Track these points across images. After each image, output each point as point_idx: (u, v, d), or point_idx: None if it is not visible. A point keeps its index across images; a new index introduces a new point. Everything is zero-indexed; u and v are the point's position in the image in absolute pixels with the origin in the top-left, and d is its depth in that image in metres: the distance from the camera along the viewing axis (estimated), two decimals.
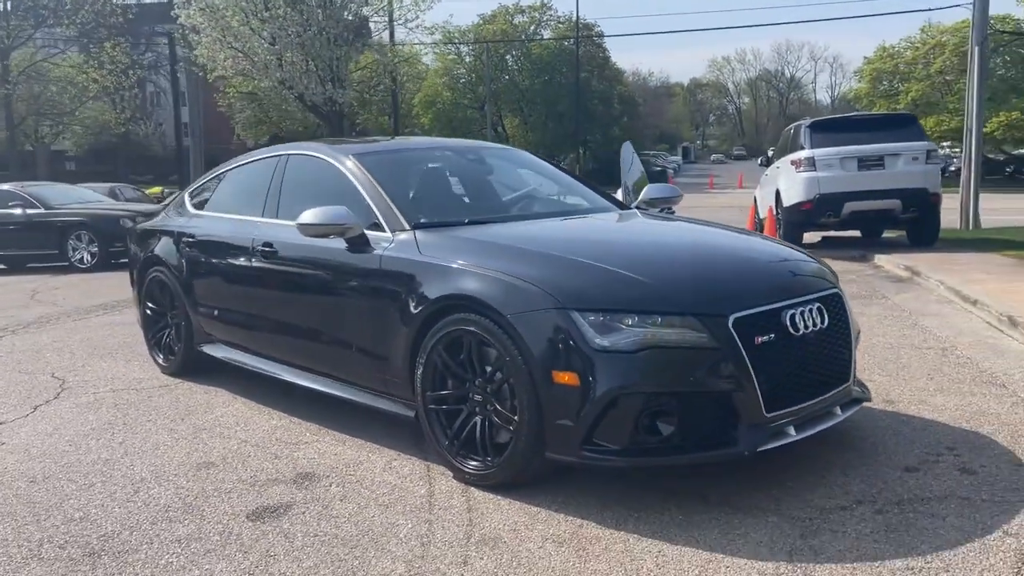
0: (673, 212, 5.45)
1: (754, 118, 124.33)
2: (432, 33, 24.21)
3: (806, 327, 3.33)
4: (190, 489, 3.58)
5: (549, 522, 3.13)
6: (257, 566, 2.87)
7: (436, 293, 3.53)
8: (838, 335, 3.53)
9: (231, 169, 5.42)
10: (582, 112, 47.76)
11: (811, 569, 2.71)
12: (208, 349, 5.19)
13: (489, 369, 3.40)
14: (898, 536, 2.91)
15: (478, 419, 3.47)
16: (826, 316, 3.44)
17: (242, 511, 3.33)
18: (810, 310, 3.38)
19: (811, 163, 11.03)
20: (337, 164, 4.42)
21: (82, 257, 13.30)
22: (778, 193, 11.80)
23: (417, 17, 20.95)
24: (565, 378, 3.10)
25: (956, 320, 6.66)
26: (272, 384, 4.99)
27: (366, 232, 3.98)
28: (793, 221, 11.30)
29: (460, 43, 50.78)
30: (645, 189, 5.17)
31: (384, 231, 3.96)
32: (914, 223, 11.49)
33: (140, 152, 52.07)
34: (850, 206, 10.93)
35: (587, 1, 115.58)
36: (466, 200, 4.62)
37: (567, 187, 4.97)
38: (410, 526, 3.14)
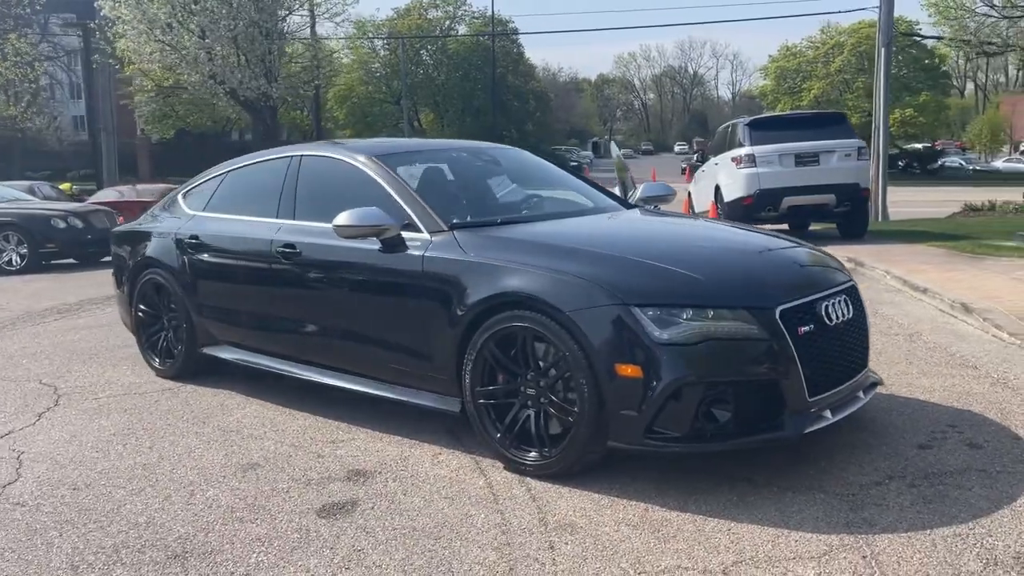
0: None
1: (660, 113, 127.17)
2: (340, 25, 23.91)
3: (837, 317, 3.60)
4: (246, 490, 3.61)
5: (615, 507, 3.30)
6: (349, 559, 2.95)
7: (487, 292, 3.65)
8: (859, 324, 3.82)
9: (232, 171, 5.38)
10: (498, 107, 48.05)
11: (871, 540, 2.96)
12: (213, 351, 5.16)
13: (543, 364, 3.55)
14: (936, 507, 3.20)
15: (531, 412, 3.61)
16: (851, 306, 3.73)
17: (309, 509, 3.39)
18: (839, 301, 3.66)
19: (752, 160, 11.52)
20: (360, 166, 4.47)
21: (10, 259, 12.75)
22: (718, 188, 12.28)
23: (344, 11, 20.81)
24: (628, 371, 3.28)
25: (912, 308, 7.14)
26: (280, 385, 5.03)
27: (401, 233, 4.06)
28: (734, 215, 11.77)
29: (379, 37, 50.28)
30: (641, 188, 5.39)
31: (420, 232, 4.05)
32: (845, 216, 12.13)
33: (36, 147, 49.77)
34: (788, 200, 11.48)
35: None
36: (492, 200, 4.74)
37: (574, 185, 5.14)
38: (483, 516, 3.26)
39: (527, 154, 5.48)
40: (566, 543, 3.02)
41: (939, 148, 50.11)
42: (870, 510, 3.19)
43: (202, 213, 5.33)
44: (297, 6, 17.26)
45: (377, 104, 53.55)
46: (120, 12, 15.65)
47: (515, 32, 55.97)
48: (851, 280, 3.97)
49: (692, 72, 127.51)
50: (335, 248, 4.30)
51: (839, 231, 12.63)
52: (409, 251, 4.02)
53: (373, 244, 4.12)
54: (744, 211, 11.68)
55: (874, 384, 3.96)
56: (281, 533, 3.18)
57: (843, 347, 3.66)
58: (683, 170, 27.32)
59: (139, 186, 19.33)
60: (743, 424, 3.35)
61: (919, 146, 49.13)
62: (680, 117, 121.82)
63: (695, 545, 2.97)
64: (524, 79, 57.97)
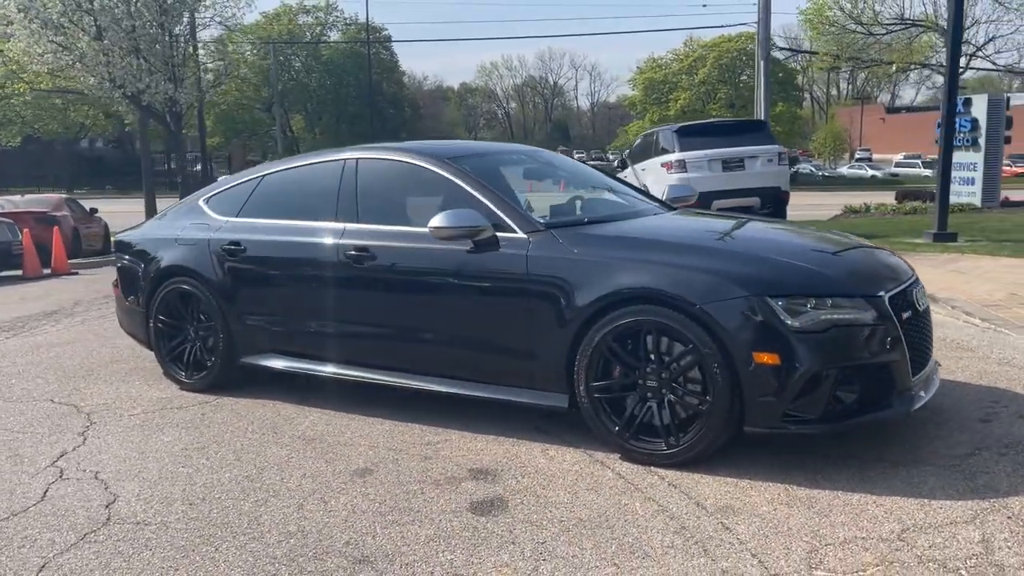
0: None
1: (522, 122, 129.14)
2: (232, 30, 23.11)
3: (922, 304, 3.93)
4: (377, 494, 3.57)
5: (755, 489, 3.48)
6: (539, 552, 2.99)
7: (607, 288, 3.76)
8: (928, 310, 4.17)
9: (268, 175, 5.23)
10: (375, 115, 47.62)
11: (1005, 503, 3.26)
12: (256, 361, 5.00)
13: (667, 356, 3.69)
14: None
15: (653, 403, 3.75)
16: (925, 295, 4.07)
17: (460, 507, 3.40)
18: (920, 289, 3.99)
19: (682, 165, 12.05)
20: (434, 168, 4.47)
21: None
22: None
23: (235, 16, 20.09)
24: (766, 359, 3.47)
25: None
26: (326, 392, 4.98)
27: (496, 234, 4.11)
28: None
29: (277, 41, 48.69)
30: (668, 188, 5.62)
31: (515, 232, 4.11)
32: (768, 218, 12.86)
33: None
34: (717, 204, 12.04)
35: (361, 4, 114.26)
36: (568, 201, 4.83)
37: (617, 187, 5.30)
38: (639, 504, 3.37)
39: (566, 157, 5.59)
40: (738, 523, 3.17)
41: (800, 155, 53.34)
42: (983, 478, 3.50)
43: (238, 219, 5.15)
44: (200, 7, 16.56)
45: (247, 111, 51.93)
46: (9, 11, 14.55)
47: (388, 39, 55.62)
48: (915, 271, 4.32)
49: (552, 83, 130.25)
50: (418, 250, 4.30)
51: None
52: (505, 251, 4.07)
53: (462, 245, 4.15)
54: None
55: (937, 365, 4.33)
56: (451, 531, 3.19)
57: (925, 331, 3.99)
58: None
59: (26, 196, 18.03)
60: (864, 404, 3.60)
61: None
62: (542, 126, 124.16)
63: (855, 518, 3.18)
64: (398, 87, 57.67)
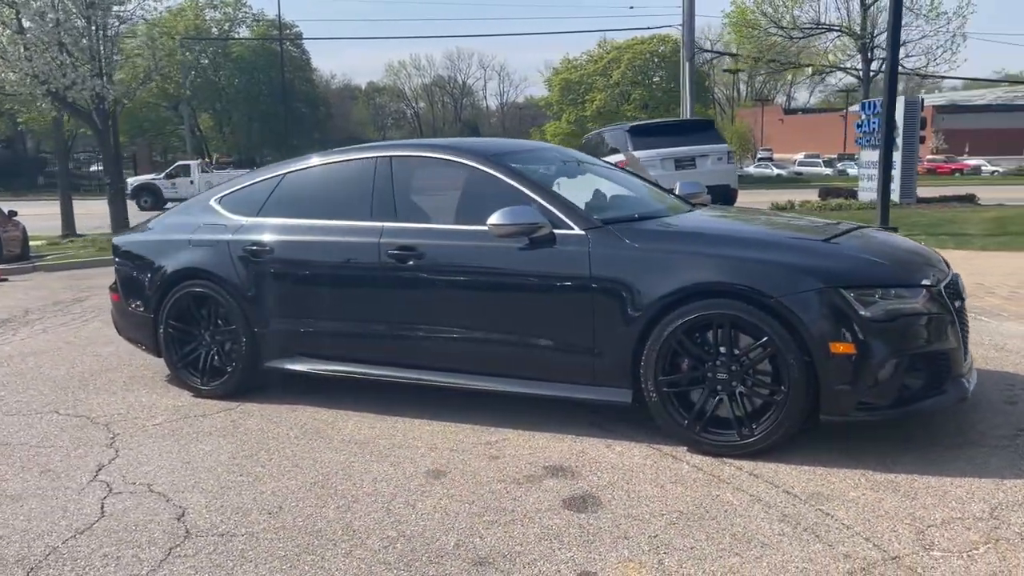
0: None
1: (431, 122, 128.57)
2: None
3: (965, 294, 4.11)
4: (461, 495, 3.52)
5: (835, 476, 3.57)
6: (657, 545, 3.01)
7: (679, 283, 3.79)
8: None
9: (290, 173, 5.06)
10: (289, 113, 46.59)
11: None
12: (282, 364, 4.85)
13: (738, 349, 3.75)
14: None
15: (724, 395, 3.81)
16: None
17: (555, 505, 3.38)
18: (962, 281, 4.17)
19: (636, 163, 12.22)
20: (479, 166, 4.43)
21: None
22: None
23: (156, 9, 19.32)
24: (842, 348, 3.57)
25: None
26: (355, 393, 4.90)
27: (553, 231, 4.10)
28: None
29: (186, 36, 46.82)
30: (678, 186, 5.70)
31: (571, 229, 4.10)
32: None
33: None
34: None
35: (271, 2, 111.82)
36: (604, 198, 4.84)
37: (642, 184, 5.34)
38: (729, 495, 3.42)
39: (590, 156, 5.62)
40: (835, 509, 3.26)
41: None
42: None
43: (259, 219, 4.97)
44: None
45: (152, 109, 50.00)
46: None
47: (299, 36, 54.52)
48: None
49: (462, 82, 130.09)
50: (469, 248, 4.26)
51: None
52: (564, 247, 4.06)
53: (516, 242, 4.13)
54: None
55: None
56: (558, 529, 3.17)
57: (966, 320, 4.18)
58: None
59: None
60: (927, 390, 3.75)
61: None
62: (451, 126, 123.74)
63: (942, 499, 3.31)
64: (310, 85, 56.58)
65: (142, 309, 5.26)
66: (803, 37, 26.63)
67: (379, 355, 4.60)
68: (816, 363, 3.59)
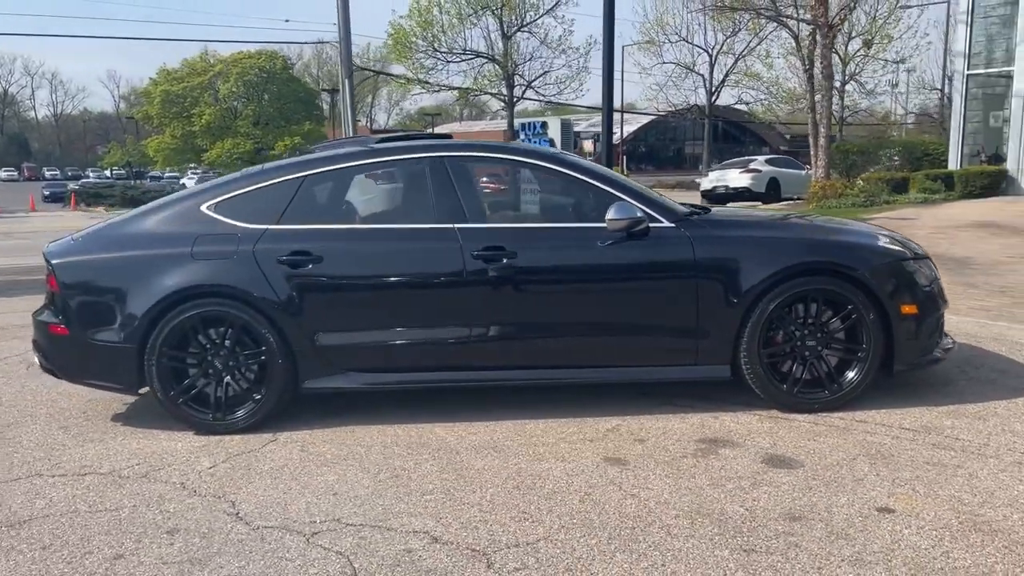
0: None
1: None
2: None
3: None
4: (680, 478, 3.66)
5: (923, 413, 4.35)
6: (894, 481, 3.52)
7: (782, 263, 4.32)
8: None
9: (312, 176, 4.54)
10: None
11: None
12: (328, 384, 4.40)
13: (823, 318, 4.40)
14: None
15: (810, 360, 4.42)
16: None
17: (762, 468, 3.70)
18: None
19: None
20: (556, 167, 4.56)
21: None
22: None
23: None
24: (909, 309, 4.41)
25: None
26: (388, 404, 4.73)
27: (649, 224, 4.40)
28: None
29: None
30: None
31: (662, 222, 4.43)
32: None
33: None
34: None
35: None
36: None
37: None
38: (857, 451, 3.88)
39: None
40: (960, 433, 4.04)
41: None
42: None
43: (287, 226, 4.41)
44: None
45: None
46: None
47: None
48: None
49: (3, 91, 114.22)
50: (569, 244, 4.39)
51: None
52: (663, 238, 4.37)
53: (613, 237, 4.34)
54: None
55: None
56: (828, 481, 3.51)
57: None
58: None
59: None
60: (942, 338, 4.74)
61: None
62: None
63: (1001, 440, 4.06)
64: None
65: (116, 340, 4.36)
66: (460, 62, 28.53)
67: (462, 359, 4.42)
68: (892, 324, 4.37)
